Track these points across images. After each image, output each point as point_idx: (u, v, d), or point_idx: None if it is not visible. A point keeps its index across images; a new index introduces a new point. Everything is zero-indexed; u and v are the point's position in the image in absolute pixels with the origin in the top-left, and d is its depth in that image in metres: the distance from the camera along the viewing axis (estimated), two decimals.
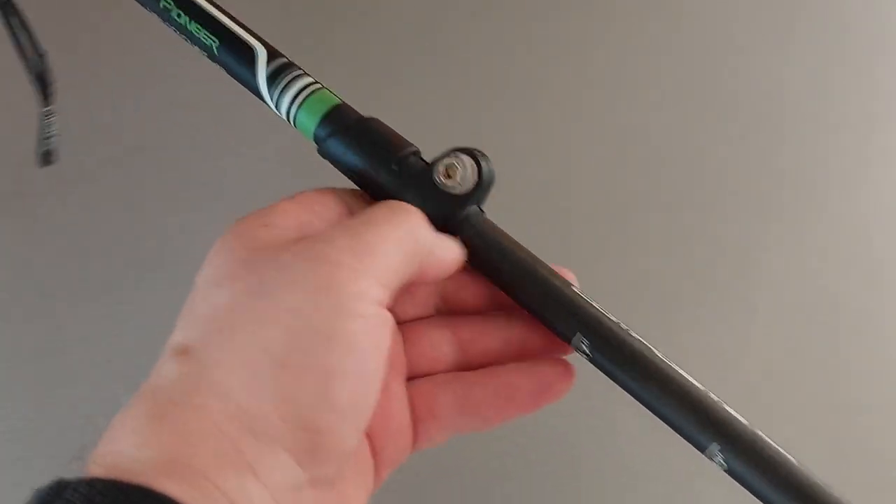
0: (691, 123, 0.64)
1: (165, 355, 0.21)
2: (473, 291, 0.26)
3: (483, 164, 0.26)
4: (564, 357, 0.26)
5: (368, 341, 0.20)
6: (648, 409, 0.24)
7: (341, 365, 0.19)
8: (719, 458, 0.23)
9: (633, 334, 0.25)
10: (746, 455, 0.23)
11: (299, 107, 0.26)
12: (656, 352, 0.25)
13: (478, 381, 0.25)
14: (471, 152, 0.26)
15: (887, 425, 0.51)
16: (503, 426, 0.50)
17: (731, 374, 0.52)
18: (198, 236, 0.58)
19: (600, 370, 0.25)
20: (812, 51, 0.69)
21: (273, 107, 0.26)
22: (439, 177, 0.25)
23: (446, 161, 0.25)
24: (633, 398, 0.24)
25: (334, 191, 0.25)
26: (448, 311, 0.26)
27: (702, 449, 0.23)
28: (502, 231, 0.26)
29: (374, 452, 0.24)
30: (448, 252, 0.24)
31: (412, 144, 0.26)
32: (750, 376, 0.52)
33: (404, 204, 0.24)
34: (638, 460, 0.49)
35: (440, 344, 0.25)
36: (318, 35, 0.65)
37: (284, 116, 0.26)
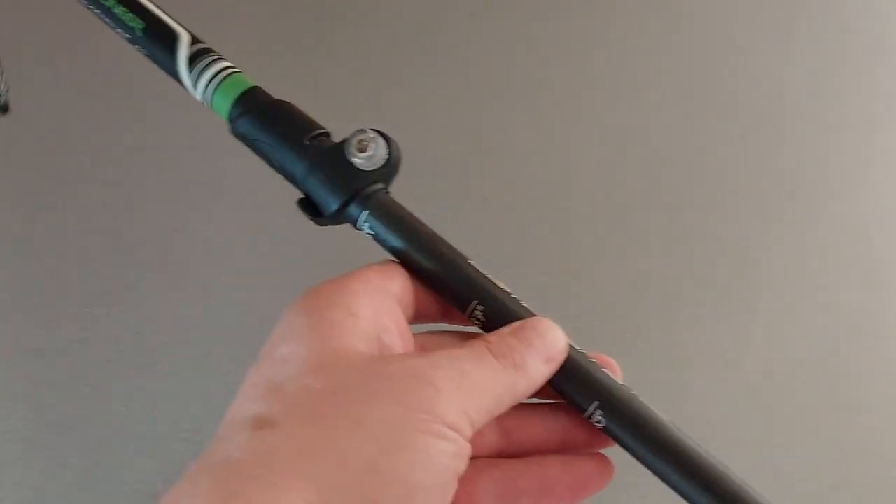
0: (691, 123, 0.64)
1: (238, 424, 0.21)
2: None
3: (392, 143, 0.27)
4: (603, 451, 0.26)
5: (452, 467, 0.21)
6: None
7: (425, 483, 0.20)
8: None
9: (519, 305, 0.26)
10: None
11: (215, 88, 0.27)
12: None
13: (519, 470, 0.25)
14: (381, 132, 0.27)
15: (887, 425, 0.51)
16: None
17: (731, 374, 0.52)
18: (197, 236, 0.58)
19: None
20: (812, 51, 0.69)
21: (191, 88, 0.28)
22: (352, 149, 0.26)
23: (360, 136, 0.26)
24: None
25: (399, 268, 0.26)
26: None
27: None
28: (406, 209, 0.26)
29: None
30: (540, 380, 0.24)
31: (323, 126, 0.27)
32: (750, 376, 0.52)
33: (503, 340, 0.24)
34: (629, 461, 0.49)
35: (485, 430, 0.25)
36: (318, 35, 0.65)
37: (200, 98, 0.28)
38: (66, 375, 0.53)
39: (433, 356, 0.22)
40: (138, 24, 0.28)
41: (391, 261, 0.26)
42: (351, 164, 0.26)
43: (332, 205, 0.26)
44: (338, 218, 0.26)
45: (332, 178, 0.26)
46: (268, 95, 0.27)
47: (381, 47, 0.65)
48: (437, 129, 0.61)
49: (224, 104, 0.27)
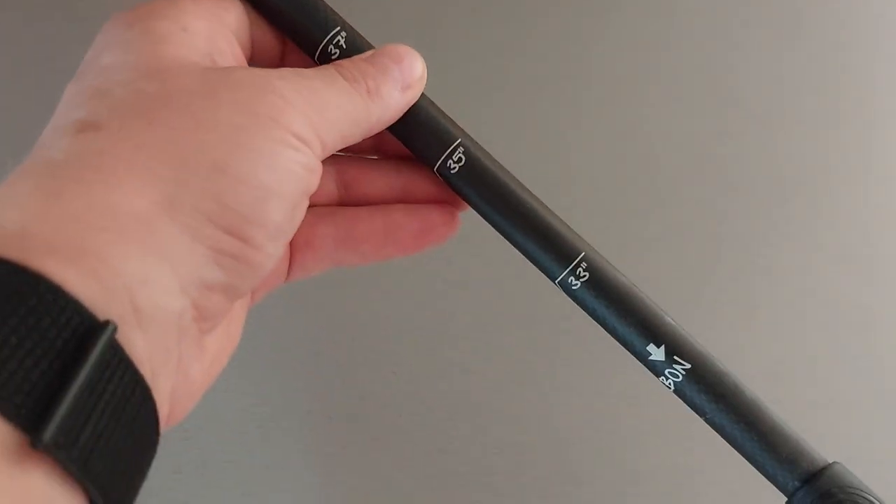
0: (691, 120, 0.64)
1: (59, 129, 0.19)
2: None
3: None
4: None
5: (303, 178, 0.20)
6: (505, 236, 0.25)
7: (281, 189, 0.19)
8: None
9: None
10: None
11: None
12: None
13: (361, 216, 0.25)
14: None
15: (889, 425, 0.51)
16: (499, 428, 0.49)
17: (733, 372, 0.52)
18: None
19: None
20: (814, 47, 0.69)
21: None
22: None
23: None
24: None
25: (239, 3, 0.24)
26: None
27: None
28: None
29: None
30: (396, 107, 0.23)
31: None
32: (751, 375, 0.52)
33: (356, 65, 0.23)
34: (636, 458, 0.48)
35: (325, 179, 0.24)
36: None
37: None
38: None
39: (279, 70, 0.21)
40: None
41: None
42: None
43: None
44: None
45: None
46: None
47: (379, 42, 0.65)
48: None
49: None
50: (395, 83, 0.23)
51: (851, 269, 0.57)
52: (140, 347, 0.17)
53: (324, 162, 0.23)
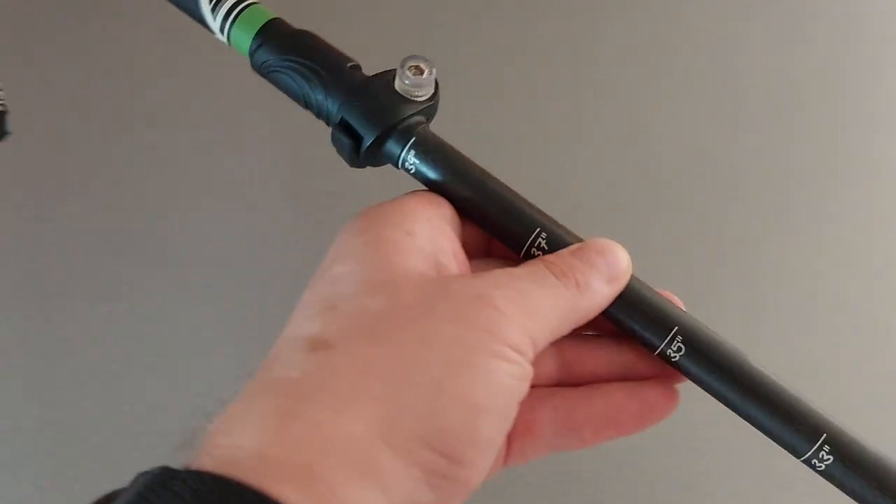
0: (697, 122, 0.64)
1: (293, 345, 0.20)
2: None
3: (437, 80, 0.25)
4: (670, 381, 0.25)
5: (517, 386, 0.20)
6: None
7: (493, 404, 0.19)
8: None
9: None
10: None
11: (235, 19, 0.25)
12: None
13: (581, 399, 0.24)
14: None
15: (892, 425, 0.50)
16: None
17: None
18: (201, 235, 0.57)
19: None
20: (819, 49, 0.69)
21: (210, 22, 0.26)
22: (406, 72, 0.24)
23: (413, 60, 0.24)
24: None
25: (443, 199, 0.24)
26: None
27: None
28: (453, 147, 0.25)
29: None
30: (602, 301, 0.23)
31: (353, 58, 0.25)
32: None
33: (563, 261, 0.23)
34: (640, 458, 0.48)
35: (545, 360, 0.24)
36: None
37: (219, 30, 0.26)
38: (68, 374, 0.53)
39: (492, 275, 0.21)
40: None
41: (431, 191, 0.24)
42: (397, 93, 0.24)
43: (373, 133, 0.24)
44: (376, 153, 0.24)
45: (375, 105, 0.24)
46: (290, 25, 0.25)
47: (381, 46, 0.65)
48: (438, 127, 0.61)
49: (246, 34, 0.25)
50: (601, 276, 0.23)
51: (857, 272, 0.57)
52: None
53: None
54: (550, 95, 0.64)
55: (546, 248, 0.24)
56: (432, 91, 0.25)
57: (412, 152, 0.24)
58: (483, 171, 0.24)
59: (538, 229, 0.23)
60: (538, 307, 0.21)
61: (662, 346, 0.23)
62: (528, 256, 0.24)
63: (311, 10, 0.66)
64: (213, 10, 0.25)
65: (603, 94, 0.65)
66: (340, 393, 0.18)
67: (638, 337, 0.24)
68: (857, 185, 0.62)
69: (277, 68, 0.25)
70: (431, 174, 0.24)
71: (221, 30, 0.26)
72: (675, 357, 0.23)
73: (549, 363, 0.25)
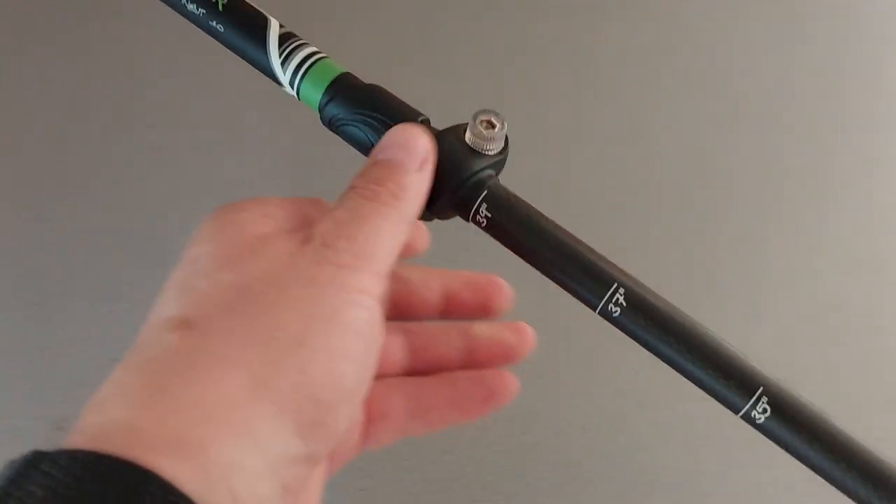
0: (695, 123, 0.64)
1: (157, 327, 0.21)
2: (432, 287, 0.28)
3: (507, 135, 0.25)
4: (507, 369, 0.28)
5: (371, 331, 0.21)
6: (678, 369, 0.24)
7: (350, 349, 0.21)
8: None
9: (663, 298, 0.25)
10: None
11: (304, 74, 0.25)
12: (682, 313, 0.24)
13: (429, 387, 0.27)
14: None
15: (893, 426, 0.50)
16: (504, 429, 0.49)
17: None
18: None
19: (624, 329, 0.24)
20: (818, 50, 0.69)
21: (280, 75, 0.26)
22: (478, 126, 0.24)
23: (485, 115, 0.25)
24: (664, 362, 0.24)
25: (320, 201, 0.26)
26: (400, 317, 0.28)
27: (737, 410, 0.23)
28: (524, 200, 0.25)
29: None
30: (418, 188, 0.24)
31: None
32: None
33: (371, 176, 0.23)
34: (642, 458, 0.48)
35: (395, 349, 0.27)
36: (316, 34, 0.65)
37: (287, 84, 0.26)
38: (68, 374, 0.53)
39: (325, 237, 0.22)
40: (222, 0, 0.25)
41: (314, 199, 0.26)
42: (468, 147, 0.24)
43: (445, 186, 0.24)
44: (447, 207, 0.25)
45: (446, 159, 0.24)
46: (359, 79, 0.26)
47: (382, 46, 0.65)
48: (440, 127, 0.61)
49: (316, 89, 0.25)
50: (409, 171, 0.23)
51: (856, 273, 0.57)
52: None
53: (393, 331, 0.26)
54: (550, 96, 0.64)
55: (624, 304, 0.24)
56: (503, 145, 0.25)
57: (484, 205, 0.24)
58: (555, 226, 0.25)
59: (616, 284, 0.24)
60: (370, 242, 0.22)
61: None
62: (605, 315, 0.24)
63: (312, 11, 0.66)
64: (283, 63, 0.25)
65: (602, 94, 0.65)
66: (206, 363, 0.19)
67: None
68: (857, 185, 0.62)
69: (348, 122, 0.25)
70: (503, 228, 0.24)
71: (291, 84, 0.26)
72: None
73: (399, 353, 0.27)
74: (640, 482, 0.48)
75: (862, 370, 0.53)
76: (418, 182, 0.24)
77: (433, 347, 0.27)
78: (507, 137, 0.25)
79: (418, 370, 0.27)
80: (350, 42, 0.64)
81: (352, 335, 0.21)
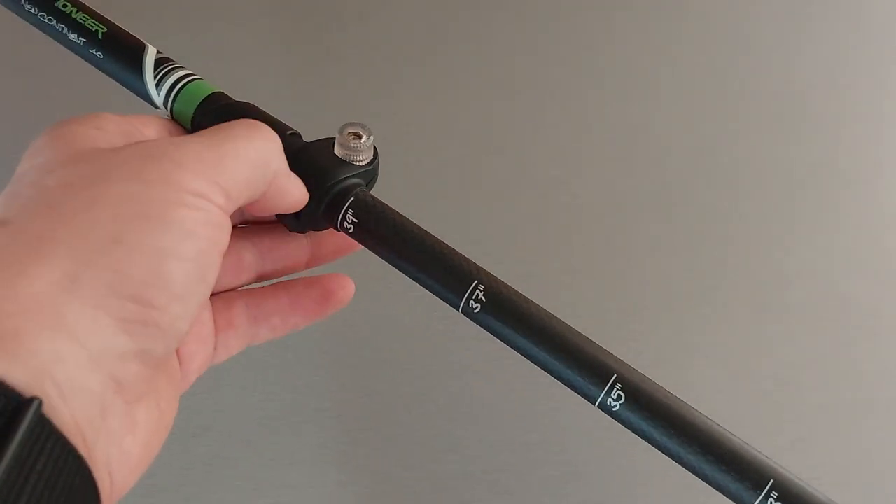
0: (702, 121, 0.64)
1: None
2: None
3: (377, 149, 0.26)
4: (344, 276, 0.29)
5: (204, 232, 0.21)
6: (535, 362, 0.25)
7: (176, 248, 0.20)
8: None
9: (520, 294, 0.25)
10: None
11: (177, 95, 0.27)
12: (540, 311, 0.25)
13: (268, 294, 0.28)
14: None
15: None
16: (508, 427, 0.49)
17: (741, 374, 0.52)
18: None
19: (486, 327, 0.25)
20: (825, 46, 0.69)
21: (154, 96, 0.27)
22: (345, 136, 0.25)
23: (352, 127, 0.25)
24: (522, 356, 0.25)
25: (162, 119, 0.26)
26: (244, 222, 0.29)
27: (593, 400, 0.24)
28: (390, 207, 0.26)
29: (188, 359, 0.26)
30: (295, 189, 0.25)
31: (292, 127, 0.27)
32: (759, 376, 0.52)
33: (263, 125, 0.24)
34: (644, 457, 0.48)
35: (245, 255, 0.27)
36: (319, 36, 0.65)
37: (162, 105, 0.27)
38: None
39: (176, 138, 0.22)
40: (100, 29, 0.27)
41: (164, 118, 0.26)
42: (335, 157, 0.25)
43: (311, 194, 0.25)
44: (316, 214, 0.25)
45: (312, 168, 0.25)
46: (231, 98, 0.27)
47: (385, 47, 0.65)
48: (441, 128, 0.61)
49: (188, 108, 0.26)
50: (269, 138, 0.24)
51: (861, 272, 0.57)
52: (68, 420, 0.18)
53: (241, 238, 0.26)
54: (555, 94, 0.64)
55: (483, 299, 0.24)
56: (371, 156, 0.26)
57: (350, 212, 0.25)
58: (420, 229, 0.25)
59: (475, 281, 0.24)
60: (222, 156, 0.22)
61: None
62: (466, 312, 0.25)
63: (314, 12, 0.66)
64: (157, 86, 0.27)
65: (608, 92, 0.65)
66: (18, 258, 0.19)
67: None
68: (863, 184, 0.61)
69: None
70: (368, 233, 0.25)
71: (165, 105, 0.27)
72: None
73: (249, 256, 0.27)
74: (642, 482, 0.48)
75: (868, 369, 0.53)
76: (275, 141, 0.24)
77: (279, 250, 0.28)
78: (375, 149, 0.26)
79: (268, 273, 0.28)
80: (350, 42, 0.64)
81: (180, 234, 0.20)
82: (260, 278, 0.28)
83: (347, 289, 0.29)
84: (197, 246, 0.21)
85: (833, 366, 0.52)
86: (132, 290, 0.19)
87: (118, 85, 0.28)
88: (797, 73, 0.67)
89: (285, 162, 0.24)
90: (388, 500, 0.46)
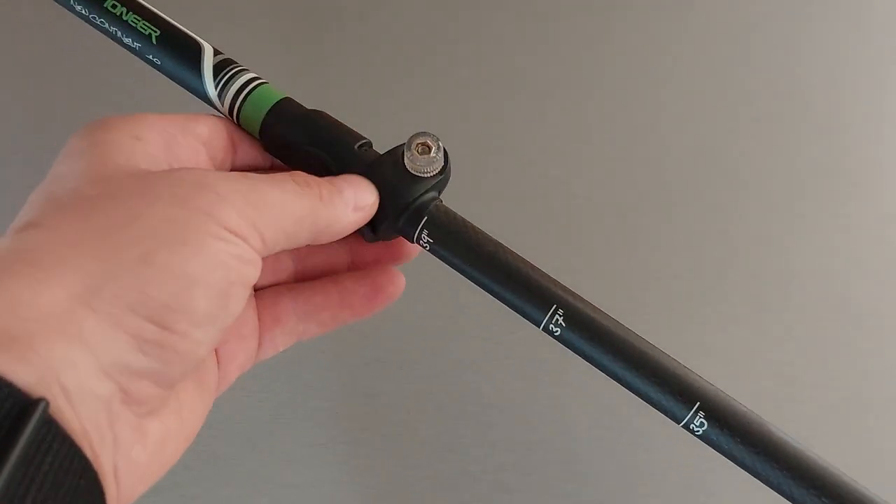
0: (703, 120, 0.64)
1: (9, 232, 0.20)
2: None
3: (447, 152, 0.25)
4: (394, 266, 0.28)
5: (236, 265, 0.21)
6: (620, 382, 0.25)
7: (205, 277, 0.20)
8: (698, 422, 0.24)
9: (603, 313, 0.25)
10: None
11: (244, 100, 0.26)
12: (629, 332, 0.25)
13: (317, 289, 0.27)
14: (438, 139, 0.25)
15: None
16: (509, 427, 0.49)
17: (744, 374, 0.52)
18: None
19: (568, 345, 0.25)
20: (830, 46, 0.69)
21: (215, 100, 0.26)
22: (413, 151, 0.25)
23: (420, 139, 0.25)
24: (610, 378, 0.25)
25: (216, 118, 0.25)
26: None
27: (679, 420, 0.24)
28: (464, 219, 0.25)
29: (228, 359, 0.25)
30: (345, 221, 0.24)
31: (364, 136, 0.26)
32: (761, 376, 0.52)
33: (314, 185, 0.24)
34: (646, 457, 0.48)
35: (282, 257, 0.27)
36: (318, 36, 0.65)
37: (225, 110, 0.26)
38: None
39: (227, 173, 0.22)
40: (154, 32, 0.26)
41: (217, 116, 0.25)
42: (407, 173, 0.24)
43: (386, 215, 0.24)
44: (391, 232, 0.25)
45: (386, 188, 0.24)
46: (300, 105, 0.26)
47: (385, 47, 0.65)
48: (441, 129, 0.61)
49: (256, 115, 0.25)
50: (347, 201, 0.24)
51: (864, 272, 0.57)
52: (74, 424, 0.18)
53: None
54: (555, 93, 0.64)
55: (563, 324, 0.24)
56: (441, 165, 0.25)
57: (426, 231, 0.24)
58: (496, 245, 0.25)
59: (555, 305, 0.24)
60: (269, 203, 0.21)
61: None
62: (548, 332, 0.24)
63: (314, 12, 0.66)
64: (221, 91, 0.26)
65: (608, 92, 0.65)
66: (44, 264, 0.18)
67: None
68: (865, 183, 0.61)
69: (293, 148, 0.25)
70: (445, 253, 0.25)
71: (231, 110, 0.26)
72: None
73: (287, 260, 0.27)
74: (643, 482, 0.48)
75: (871, 368, 0.53)
76: (345, 214, 0.24)
77: (318, 250, 0.28)
78: (446, 154, 0.25)
79: (306, 275, 0.28)
80: (352, 42, 0.64)
81: (212, 264, 0.20)
82: (299, 280, 0.28)
83: (398, 284, 0.28)
84: (227, 277, 0.20)
85: (835, 365, 0.52)
86: (153, 312, 0.19)
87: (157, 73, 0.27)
88: (798, 72, 0.67)
89: (333, 211, 0.24)
90: (388, 500, 0.46)
